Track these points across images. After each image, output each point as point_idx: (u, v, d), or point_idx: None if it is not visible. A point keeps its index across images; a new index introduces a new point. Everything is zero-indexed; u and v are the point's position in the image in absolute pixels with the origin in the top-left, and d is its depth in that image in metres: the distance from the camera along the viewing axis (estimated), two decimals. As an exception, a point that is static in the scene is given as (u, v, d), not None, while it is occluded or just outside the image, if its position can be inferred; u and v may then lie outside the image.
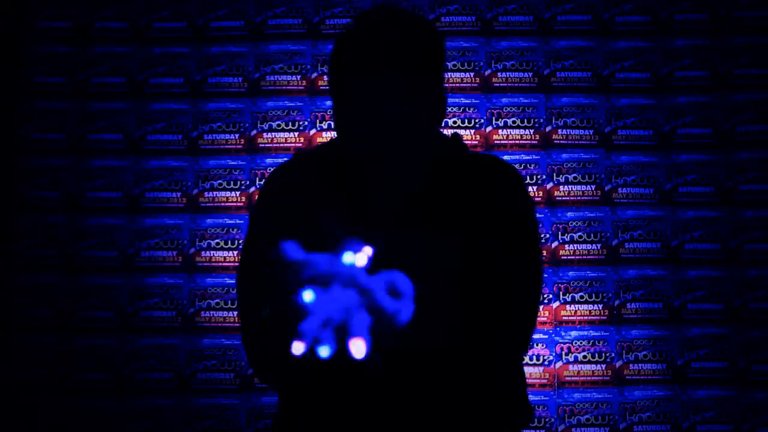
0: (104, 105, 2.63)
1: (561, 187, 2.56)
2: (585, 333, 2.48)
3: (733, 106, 2.57)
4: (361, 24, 1.16)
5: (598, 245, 2.53)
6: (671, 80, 2.60)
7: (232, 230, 2.57)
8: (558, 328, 2.48)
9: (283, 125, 2.62)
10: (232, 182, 2.60)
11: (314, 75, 2.65)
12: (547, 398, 2.46)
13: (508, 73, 2.62)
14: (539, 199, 2.55)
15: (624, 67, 2.61)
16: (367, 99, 1.09)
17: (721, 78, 2.59)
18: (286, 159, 1.34)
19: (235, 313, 2.52)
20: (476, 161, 1.29)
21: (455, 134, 1.31)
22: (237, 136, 2.62)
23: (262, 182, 2.56)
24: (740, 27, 2.60)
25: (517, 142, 2.58)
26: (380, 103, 1.08)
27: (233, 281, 2.47)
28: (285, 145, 2.62)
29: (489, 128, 2.58)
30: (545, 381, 2.46)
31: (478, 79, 2.62)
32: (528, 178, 2.56)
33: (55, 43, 2.65)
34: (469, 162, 1.26)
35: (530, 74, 2.62)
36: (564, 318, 2.49)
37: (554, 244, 2.53)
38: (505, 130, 2.58)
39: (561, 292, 2.50)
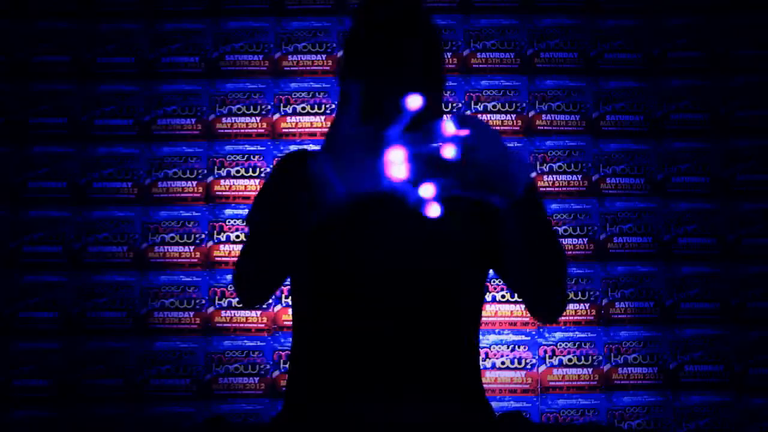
0: (48, 86, 2.46)
1: (545, 177, 2.48)
2: (570, 334, 2.42)
3: (731, 89, 2.51)
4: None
5: (585, 239, 2.45)
6: (664, 62, 2.52)
7: (188, 223, 2.39)
8: (541, 329, 2.41)
9: (243, 109, 2.45)
10: (188, 171, 2.43)
11: (278, 55, 2.47)
12: (530, 405, 2.39)
13: (488, 54, 2.48)
14: (522, 189, 2.42)
15: (613, 48, 2.51)
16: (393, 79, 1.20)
17: (717, 59, 2.51)
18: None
19: (191, 313, 2.36)
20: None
21: None
22: (194, 120, 2.44)
23: (220, 172, 2.40)
24: (736, 3, 2.53)
25: (499, 127, 2.47)
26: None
27: (189, 279, 2.33)
28: (246, 131, 2.43)
29: (468, 113, 2.44)
30: (527, 386, 2.39)
31: (456, 60, 2.47)
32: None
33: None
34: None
35: (512, 54, 2.49)
36: (548, 318, 2.38)
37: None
38: (485, 116, 2.48)
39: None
